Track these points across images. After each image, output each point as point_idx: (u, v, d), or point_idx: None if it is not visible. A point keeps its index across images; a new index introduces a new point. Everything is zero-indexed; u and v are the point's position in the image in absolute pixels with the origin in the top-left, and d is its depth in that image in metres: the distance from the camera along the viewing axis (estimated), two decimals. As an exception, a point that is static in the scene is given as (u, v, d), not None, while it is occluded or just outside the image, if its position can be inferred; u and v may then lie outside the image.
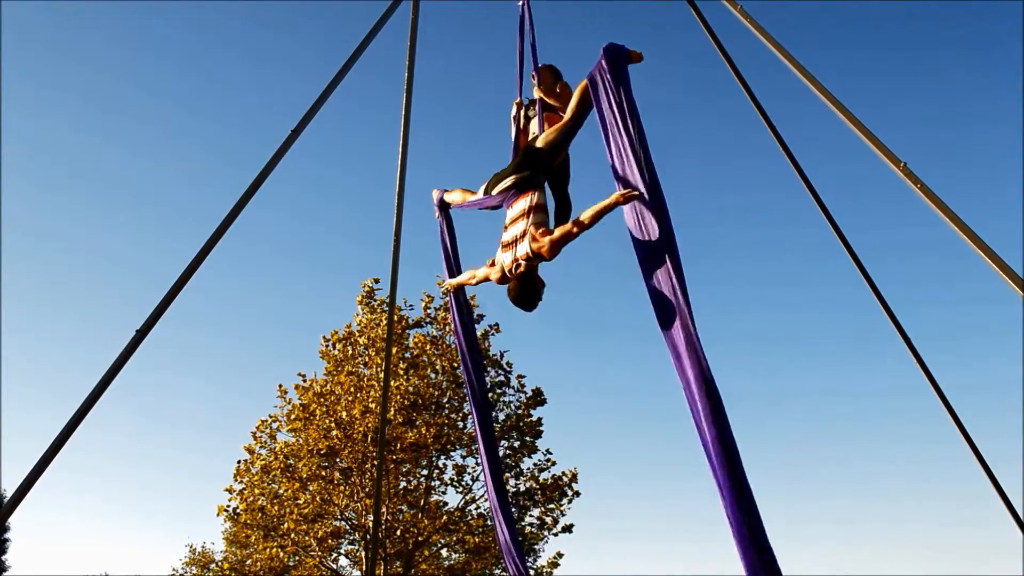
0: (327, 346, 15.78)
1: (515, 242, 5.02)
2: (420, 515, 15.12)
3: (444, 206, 6.19)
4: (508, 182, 5.18)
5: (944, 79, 40.66)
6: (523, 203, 5.08)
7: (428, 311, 16.09)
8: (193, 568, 25.61)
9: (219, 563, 22.94)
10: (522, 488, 15.43)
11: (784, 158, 6.77)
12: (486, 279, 5.40)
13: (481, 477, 15.42)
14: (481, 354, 6.30)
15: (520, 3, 6.44)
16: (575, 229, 4.70)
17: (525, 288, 4.96)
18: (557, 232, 4.79)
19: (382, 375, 11.30)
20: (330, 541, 15.15)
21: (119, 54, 39.72)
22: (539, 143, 5.26)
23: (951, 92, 40.37)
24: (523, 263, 4.94)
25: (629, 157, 4.63)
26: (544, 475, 15.66)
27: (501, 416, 15.71)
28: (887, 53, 40.99)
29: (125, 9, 37.59)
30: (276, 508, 14.77)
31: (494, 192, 5.28)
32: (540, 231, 4.90)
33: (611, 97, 4.83)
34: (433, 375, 15.53)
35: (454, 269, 6.25)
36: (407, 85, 7.29)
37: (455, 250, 6.26)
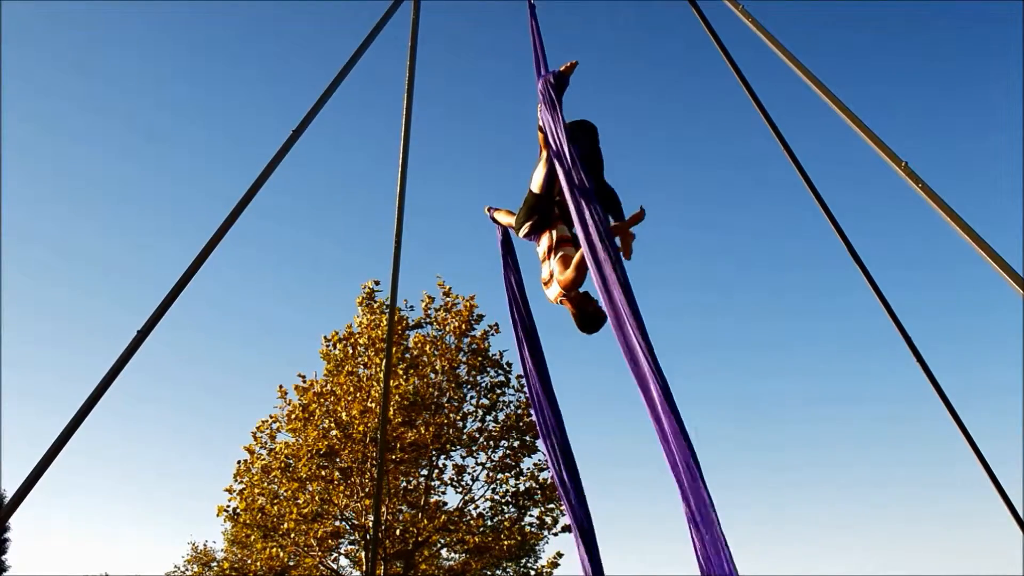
0: (327, 347, 15.80)
1: (549, 280, 5.20)
2: (420, 515, 15.12)
3: (499, 223, 6.20)
4: (525, 230, 5.37)
5: (945, 79, 40.68)
6: (545, 241, 5.26)
7: (428, 312, 16.11)
8: (194, 566, 25.63)
9: (219, 563, 22.95)
10: (522, 488, 15.44)
11: (785, 157, 6.77)
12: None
13: (481, 477, 15.45)
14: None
15: (528, 7, 6.46)
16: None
17: (579, 318, 5.08)
18: (562, 280, 5.02)
19: (382, 375, 11.30)
20: (330, 541, 15.15)
21: (118, 57, 39.73)
22: (532, 186, 5.37)
23: (952, 91, 40.38)
24: (562, 299, 5.11)
25: (569, 174, 4.79)
26: (544, 475, 15.65)
27: (501, 416, 15.72)
28: (888, 52, 41.00)
29: (123, 10, 37.59)
30: (276, 508, 14.76)
31: (520, 235, 5.45)
32: (561, 272, 5.07)
33: (549, 134, 5.06)
34: (433, 375, 15.54)
35: (515, 287, 6.09)
36: (408, 86, 7.28)
37: (516, 266, 6.13)
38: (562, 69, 5.28)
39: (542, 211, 5.29)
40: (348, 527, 15.14)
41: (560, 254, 5.14)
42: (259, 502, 14.73)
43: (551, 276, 5.17)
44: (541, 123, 5.28)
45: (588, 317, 5.04)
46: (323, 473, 14.74)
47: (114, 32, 39.39)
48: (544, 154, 5.29)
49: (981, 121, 39.75)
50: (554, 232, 5.24)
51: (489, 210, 6.17)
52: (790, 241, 38.93)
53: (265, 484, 14.86)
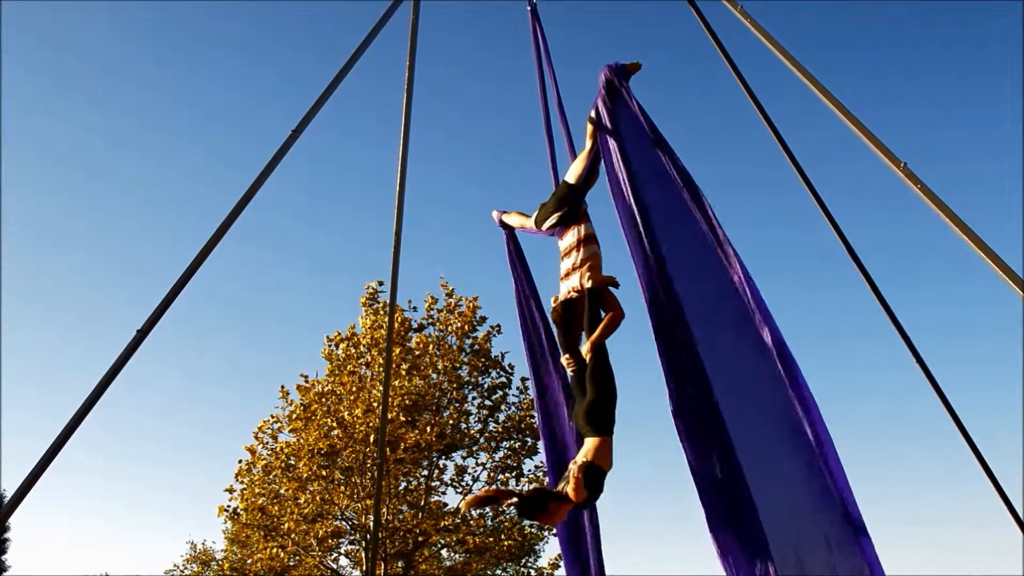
0: (330, 347, 15.81)
1: (570, 274, 5.08)
2: (420, 515, 15.13)
3: (506, 226, 6.03)
4: (552, 220, 5.27)
5: (944, 79, 40.68)
6: (571, 235, 5.16)
7: (431, 312, 16.11)
8: (194, 565, 25.62)
9: (219, 562, 22.97)
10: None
11: (784, 158, 6.75)
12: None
13: (482, 477, 15.44)
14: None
15: (528, 8, 6.50)
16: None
17: (590, 314, 4.92)
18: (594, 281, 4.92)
19: (383, 375, 11.30)
20: (330, 541, 15.17)
21: (120, 54, 39.79)
22: (569, 177, 5.31)
23: (951, 92, 40.38)
24: (574, 294, 4.97)
25: (655, 163, 4.85)
26: (547, 477, 15.64)
27: (502, 417, 15.72)
28: (887, 53, 41.01)
29: (126, 8, 37.65)
30: (276, 508, 14.79)
31: (543, 228, 5.36)
32: (589, 268, 4.96)
33: (616, 116, 4.99)
34: (435, 376, 15.54)
35: (526, 290, 5.94)
36: (407, 85, 7.27)
37: (525, 269, 5.97)
38: (628, 65, 5.24)
39: (573, 203, 5.21)
40: (348, 527, 15.17)
41: (592, 250, 5.04)
42: (259, 502, 14.76)
43: (575, 268, 5.04)
44: (595, 114, 5.16)
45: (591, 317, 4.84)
46: (324, 473, 14.76)
47: (117, 30, 39.44)
48: (588, 146, 5.23)
49: (981, 122, 39.78)
50: (582, 227, 5.14)
51: (498, 213, 5.98)
52: (789, 241, 38.94)
53: (266, 484, 14.89)
